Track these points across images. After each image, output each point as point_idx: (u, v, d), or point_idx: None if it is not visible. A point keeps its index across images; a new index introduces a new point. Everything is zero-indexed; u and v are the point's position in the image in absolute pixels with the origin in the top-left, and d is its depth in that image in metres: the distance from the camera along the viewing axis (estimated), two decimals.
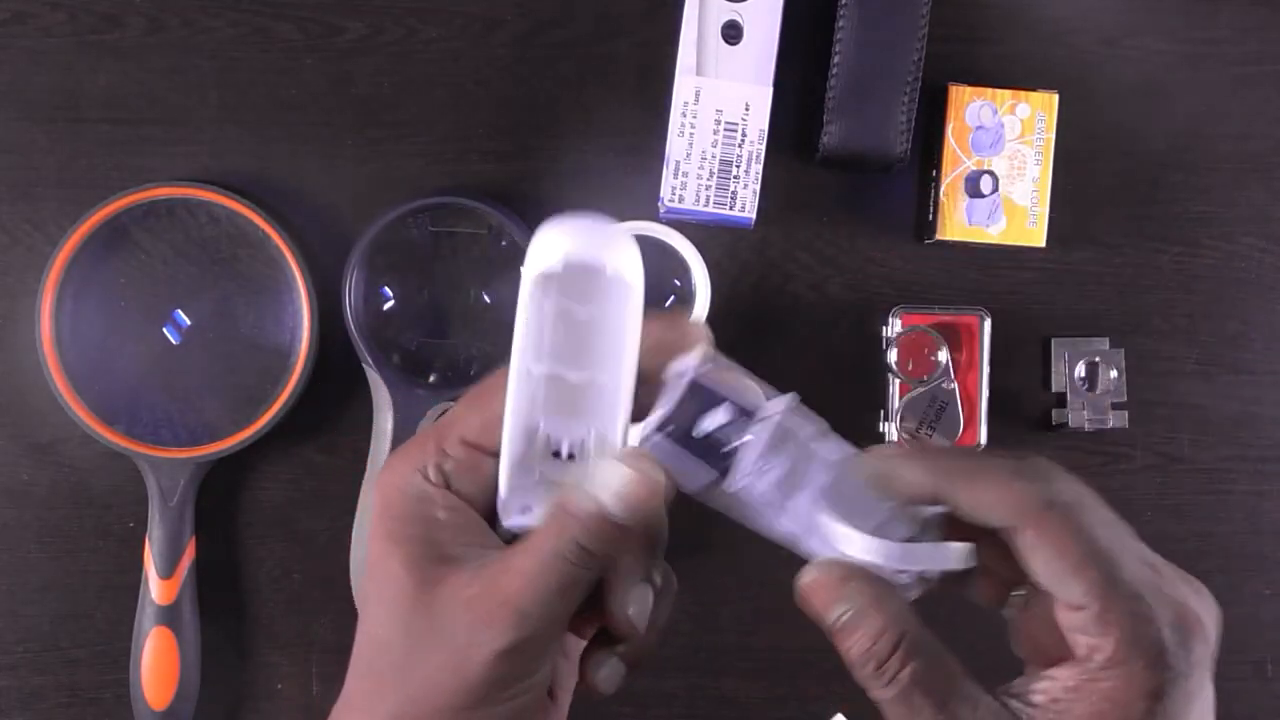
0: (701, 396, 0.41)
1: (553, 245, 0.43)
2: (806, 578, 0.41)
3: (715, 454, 0.41)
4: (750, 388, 0.41)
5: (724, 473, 0.41)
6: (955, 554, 0.40)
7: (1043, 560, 0.38)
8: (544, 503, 0.41)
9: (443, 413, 0.66)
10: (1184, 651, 0.38)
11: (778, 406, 0.41)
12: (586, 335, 0.41)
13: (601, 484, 0.40)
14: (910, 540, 0.41)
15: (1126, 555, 0.41)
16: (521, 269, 0.43)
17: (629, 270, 0.42)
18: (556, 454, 0.42)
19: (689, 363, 0.41)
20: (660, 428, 0.41)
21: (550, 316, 0.42)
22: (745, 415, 0.41)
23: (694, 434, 0.41)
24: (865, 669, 0.39)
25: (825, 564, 0.40)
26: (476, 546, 0.41)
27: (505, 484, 0.41)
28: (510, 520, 0.42)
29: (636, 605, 0.43)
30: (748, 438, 0.41)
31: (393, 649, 0.42)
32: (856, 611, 0.39)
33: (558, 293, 0.42)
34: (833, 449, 0.42)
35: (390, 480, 0.42)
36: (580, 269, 0.42)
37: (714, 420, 0.41)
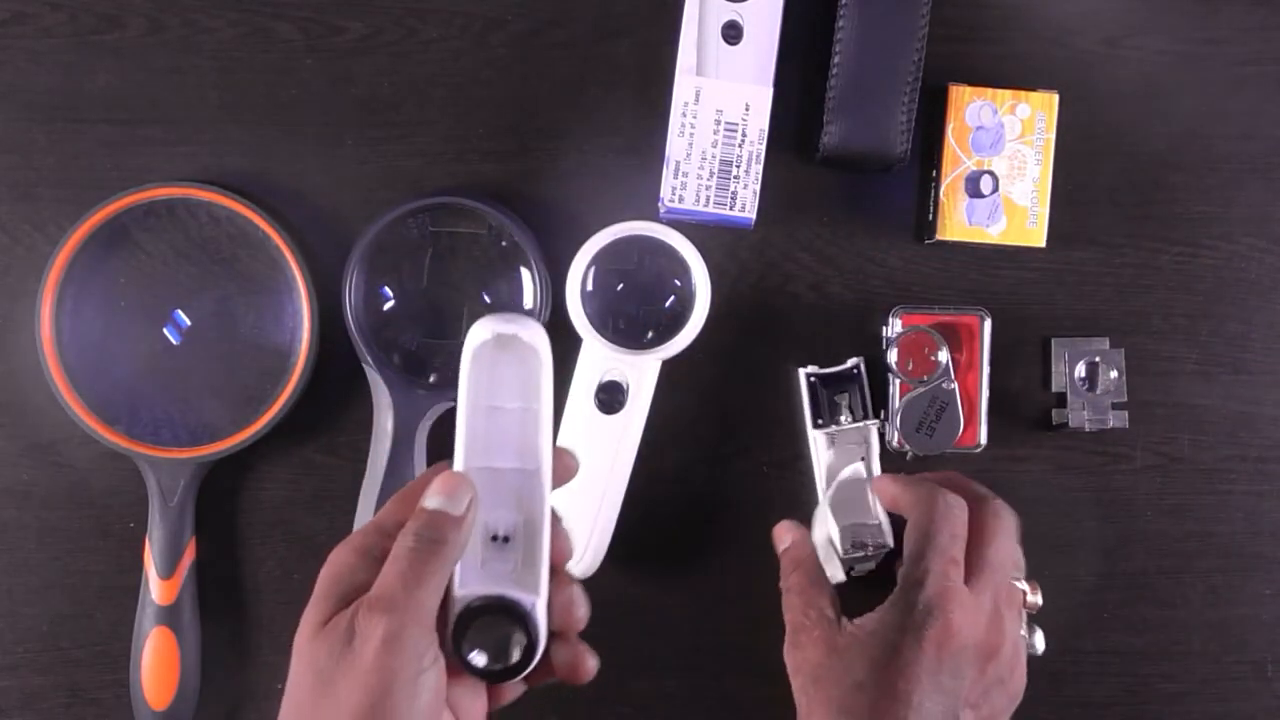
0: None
1: (481, 326, 0.49)
2: (781, 524, 0.65)
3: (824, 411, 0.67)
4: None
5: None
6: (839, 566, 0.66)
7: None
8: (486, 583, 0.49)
9: (442, 413, 0.66)
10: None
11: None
12: (513, 425, 0.49)
13: (429, 493, 0.48)
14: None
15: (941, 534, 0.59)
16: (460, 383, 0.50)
17: (540, 341, 0.49)
18: (494, 537, 0.49)
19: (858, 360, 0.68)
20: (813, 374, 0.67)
21: (483, 411, 0.49)
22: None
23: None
24: (782, 577, 0.63)
25: (793, 524, 0.65)
26: None
27: (458, 577, 0.49)
28: (462, 599, 0.49)
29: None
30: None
31: (304, 684, 0.47)
32: (790, 544, 0.64)
33: (487, 378, 0.49)
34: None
35: (334, 558, 0.49)
36: (505, 337, 0.49)
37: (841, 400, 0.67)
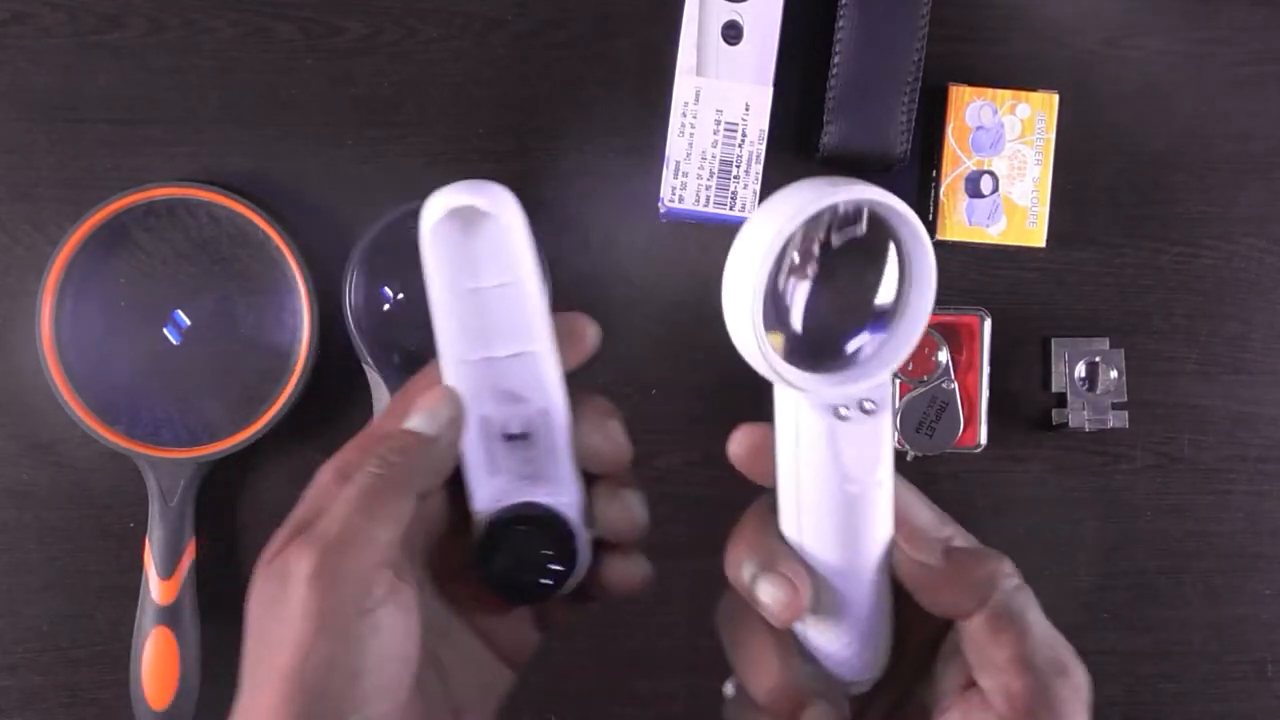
0: None
1: (433, 203, 0.41)
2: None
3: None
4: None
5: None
6: None
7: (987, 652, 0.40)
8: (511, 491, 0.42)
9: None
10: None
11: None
12: (495, 302, 0.41)
13: (414, 410, 0.41)
14: None
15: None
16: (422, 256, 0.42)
17: (505, 204, 0.40)
18: (509, 436, 0.43)
19: None
20: None
21: (461, 296, 0.41)
22: None
23: None
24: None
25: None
26: None
27: (473, 491, 0.43)
28: (482, 516, 0.43)
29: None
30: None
31: (246, 637, 0.41)
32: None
33: (452, 264, 0.41)
34: None
35: (315, 481, 0.43)
36: (462, 210, 0.41)
37: None
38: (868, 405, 0.40)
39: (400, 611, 0.39)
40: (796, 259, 0.40)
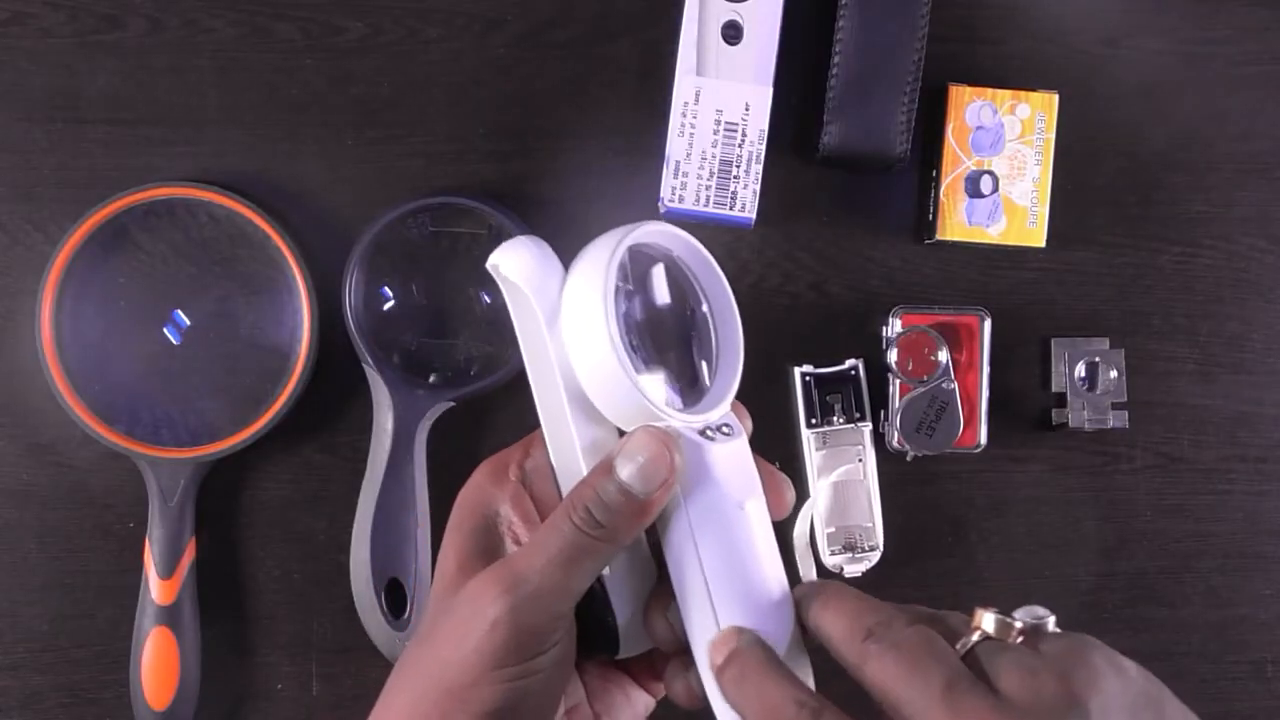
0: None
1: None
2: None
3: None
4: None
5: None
6: None
7: None
8: None
9: (442, 413, 0.66)
10: None
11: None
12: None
13: (625, 455, 0.41)
14: None
15: None
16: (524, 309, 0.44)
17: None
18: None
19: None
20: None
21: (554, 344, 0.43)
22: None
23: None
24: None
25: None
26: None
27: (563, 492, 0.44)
28: None
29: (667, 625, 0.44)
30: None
31: (419, 633, 0.43)
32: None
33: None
34: None
35: (471, 480, 0.44)
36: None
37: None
38: (725, 430, 0.43)
39: (565, 646, 0.41)
40: (625, 306, 0.43)
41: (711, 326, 0.45)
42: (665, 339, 0.44)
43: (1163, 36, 0.69)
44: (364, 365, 0.66)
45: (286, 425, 0.66)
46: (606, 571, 0.43)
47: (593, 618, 0.44)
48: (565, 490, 0.43)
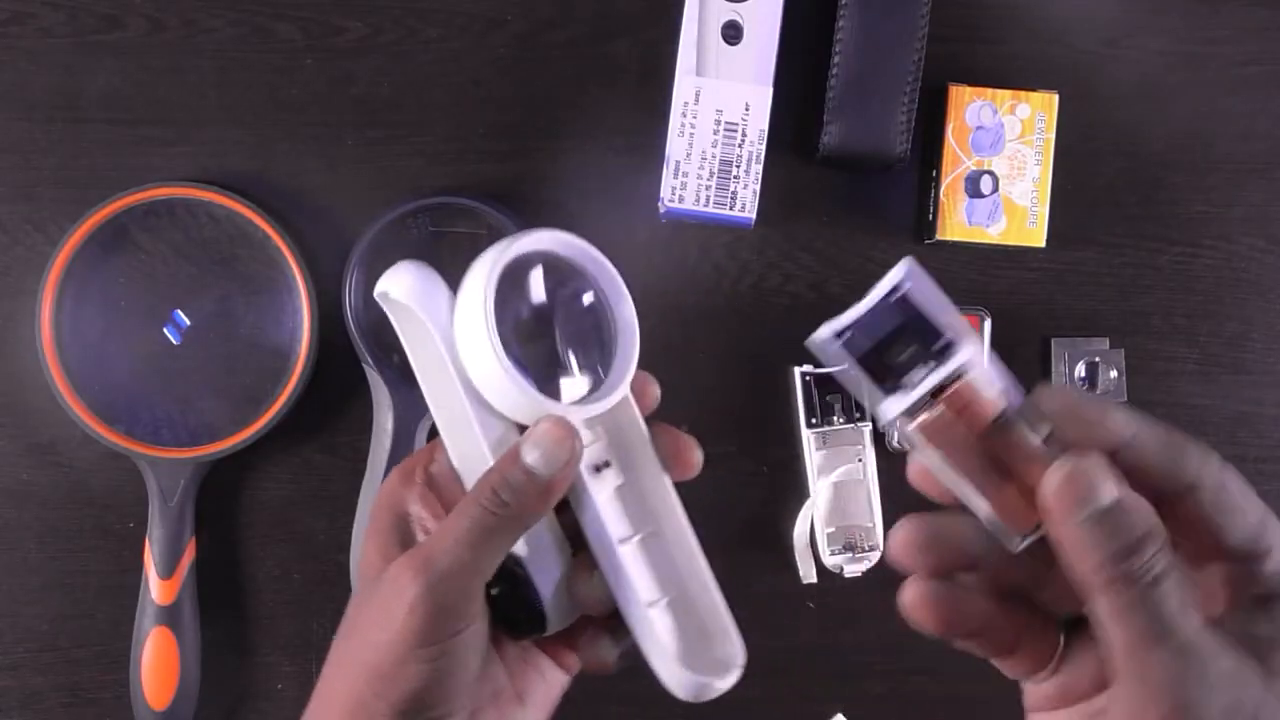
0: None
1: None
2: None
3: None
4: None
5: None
6: None
7: (1232, 509, 0.38)
8: None
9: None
10: None
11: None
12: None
13: (530, 443, 0.44)
14: None
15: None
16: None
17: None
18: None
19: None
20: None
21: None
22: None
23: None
24: None
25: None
26: None
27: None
28: None
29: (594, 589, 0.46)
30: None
31: (347, 621, 0.47)
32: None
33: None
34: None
35: (383, 486, 0.47)
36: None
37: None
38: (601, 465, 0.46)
39: (480, 625, 0.44)
40: (524, 312, 0.46)
41: (610, 320, 0.48)
42: (565, 337, 0.47)
43: (1163, 36, 0.69)
44: (364, 365, 0.66)
45: (286, 425, 0.66)
46: (525, 553, 0.45)
47: (518, 601, 0.46)
48: (470, 485, 0.46)
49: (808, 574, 0.68)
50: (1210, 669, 0.35)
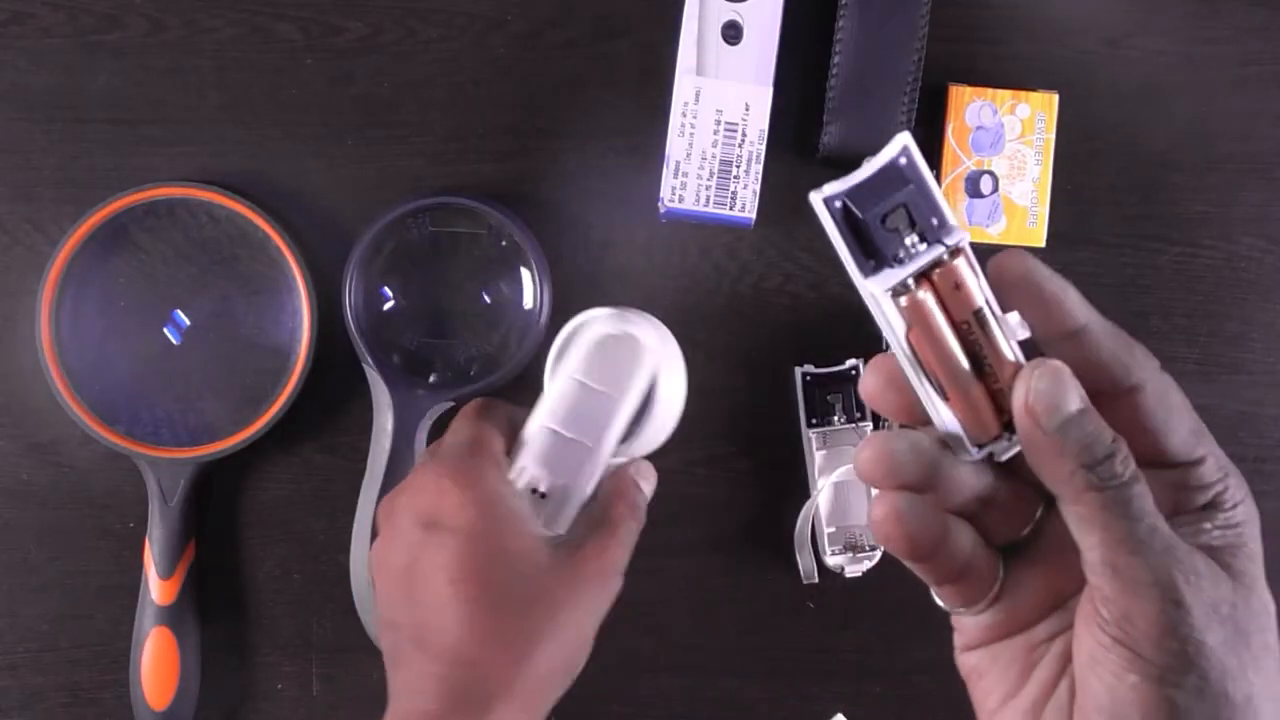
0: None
1: (603, 323, 0.55)
2: None
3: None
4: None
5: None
6: None
7: (1174, 411, 0.40)
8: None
9: (442, 413, 0.66)
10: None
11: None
12: (593, 404, 0.54)
13: (648, 489, 0.57)
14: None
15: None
16: (562, 339, 0.55)
17: (650, 342, 0.55)
18: (534, 490, 0.53)
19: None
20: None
21: (574, 383, 0.54)
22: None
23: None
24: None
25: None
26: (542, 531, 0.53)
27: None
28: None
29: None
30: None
31: (525, 596, 0.50)
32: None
33: (593, 362, 0.54)
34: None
35: (491, 473, 0.52)
36: (625, 338, 0.54)
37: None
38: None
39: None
40: None
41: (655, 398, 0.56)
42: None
43: (1163, 36, 0.69)
44: (364, 365, 0.66)
45: (286, 425, 0.66)
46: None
47: None
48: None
49: (809, 574, 0.68)
50: (1190, 569, 0.36)
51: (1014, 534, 0.40)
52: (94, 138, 0.67)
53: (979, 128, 0.67)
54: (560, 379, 0.54)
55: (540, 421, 0.54)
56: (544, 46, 0.68)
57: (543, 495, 0.53)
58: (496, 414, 0.55)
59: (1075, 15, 0.69)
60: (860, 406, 0.67)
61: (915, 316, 0.37)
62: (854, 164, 0.69)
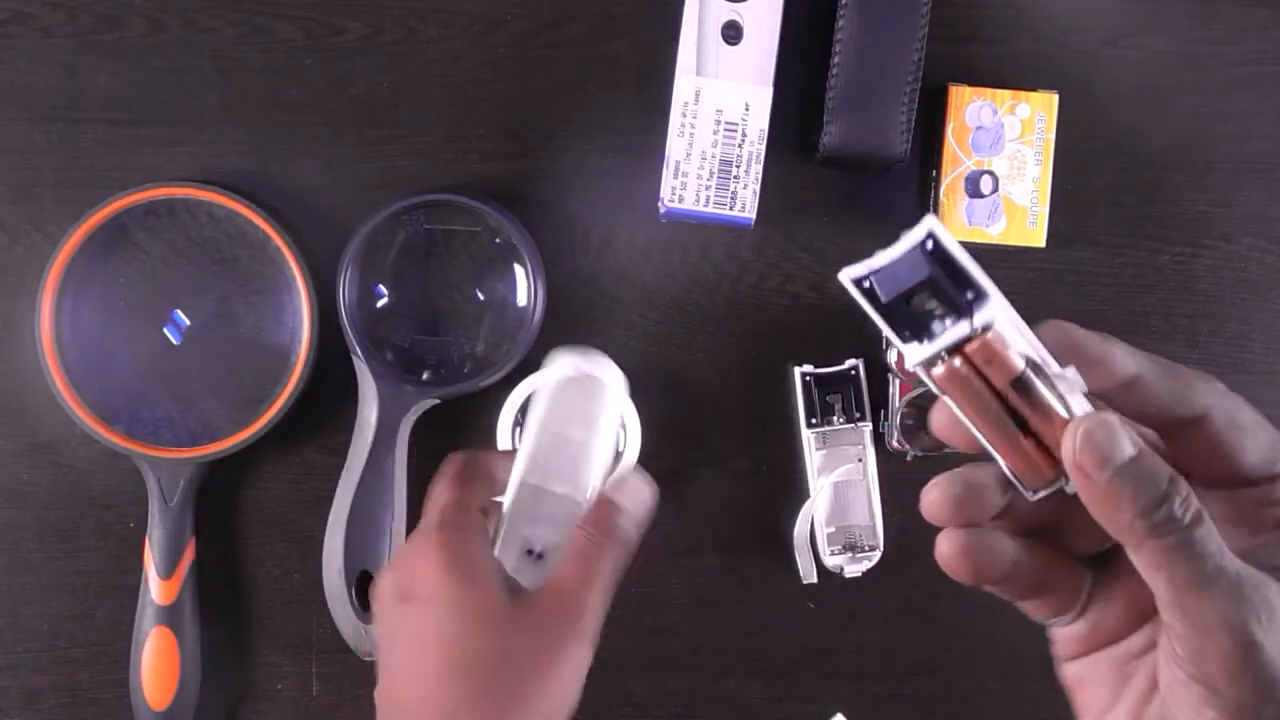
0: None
1: (565, 365, 0.53)
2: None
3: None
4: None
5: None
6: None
7: (1245, 431, 0.40)
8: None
9: (428, 409, 0.66)
10: None
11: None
12: (576, 454, 0.52)
13: (631, 504, 0.52)
14: None
15: None
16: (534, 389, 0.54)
17: (611, 381, 0.53)
18: (530, 552, 0.52)
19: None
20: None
21: (550, 435, 0.52)
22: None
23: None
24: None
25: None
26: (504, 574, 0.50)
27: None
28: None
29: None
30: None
31: (491, 660, 0.47)
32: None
33: (562, 408, 0.53)
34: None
35: (461, 537, 0.50)
36: (588, 379, 0.53)
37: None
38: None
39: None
40: None
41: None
42: None
43: (1163, 36, 0.69)
44: (353, 357, 0.66)
45: (286, 425, 0.66)
46: None
47: None
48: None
49: (808, 574, 0.68)
50: (1262, 603, 0.35)
51: (1095, 546, 0.40)
52: (94, 138, 0.67)
53: (979, 128, 0.67)
54: (533, 431, 0.52)
55: (520, 478, 0.52)
56: (544, 46, 0.68)
57: (539, 556, 0.52)
58: (475, 473, 0.53)
59: (1075, 15, 0.69)
60: (860, 406, 0.67)
61: (949, 386, 0.38)
62: (854, 164, 0.69)
